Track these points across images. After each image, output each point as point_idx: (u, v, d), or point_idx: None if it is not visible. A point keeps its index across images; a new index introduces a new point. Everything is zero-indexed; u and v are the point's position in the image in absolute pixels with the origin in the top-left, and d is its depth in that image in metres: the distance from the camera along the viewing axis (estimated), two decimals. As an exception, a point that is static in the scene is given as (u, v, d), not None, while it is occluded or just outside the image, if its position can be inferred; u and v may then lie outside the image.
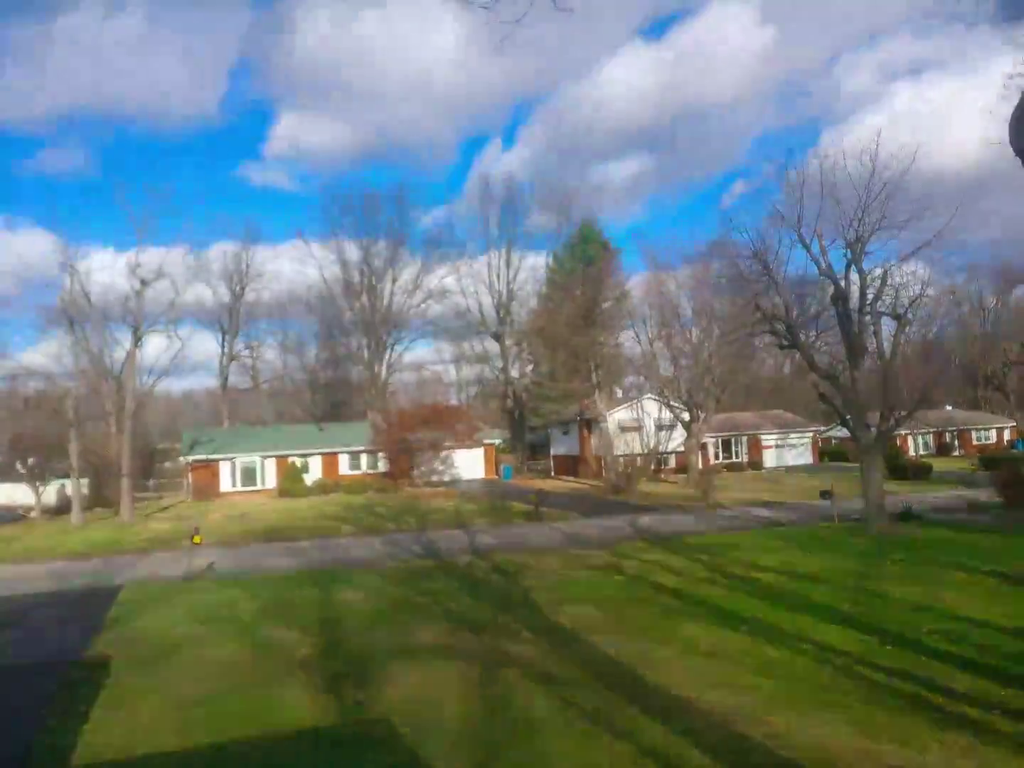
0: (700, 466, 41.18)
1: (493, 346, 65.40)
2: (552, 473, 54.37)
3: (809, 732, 7.13)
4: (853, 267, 22.07)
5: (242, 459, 44.18)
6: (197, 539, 20.51)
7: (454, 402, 66.78)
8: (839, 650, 9.70)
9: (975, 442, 59.08)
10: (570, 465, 51.77)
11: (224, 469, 43.98)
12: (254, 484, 43.82)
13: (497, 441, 52.57)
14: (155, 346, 60.41)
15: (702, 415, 41.69)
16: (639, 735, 7.17)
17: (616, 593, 14.02)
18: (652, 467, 44.42)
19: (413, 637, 11.41)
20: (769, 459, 51.76)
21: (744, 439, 52.17)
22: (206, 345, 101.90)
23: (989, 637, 10.02)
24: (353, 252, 62.79)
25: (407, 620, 12.46)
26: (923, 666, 8.96)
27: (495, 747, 7.17)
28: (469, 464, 46.53)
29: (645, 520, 26.19)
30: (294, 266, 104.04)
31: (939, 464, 44.80)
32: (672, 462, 47.63)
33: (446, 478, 43.83)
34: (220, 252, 76.66)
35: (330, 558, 20.09)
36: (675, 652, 10.00)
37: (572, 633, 11.20)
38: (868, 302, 21.88)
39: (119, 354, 38.47)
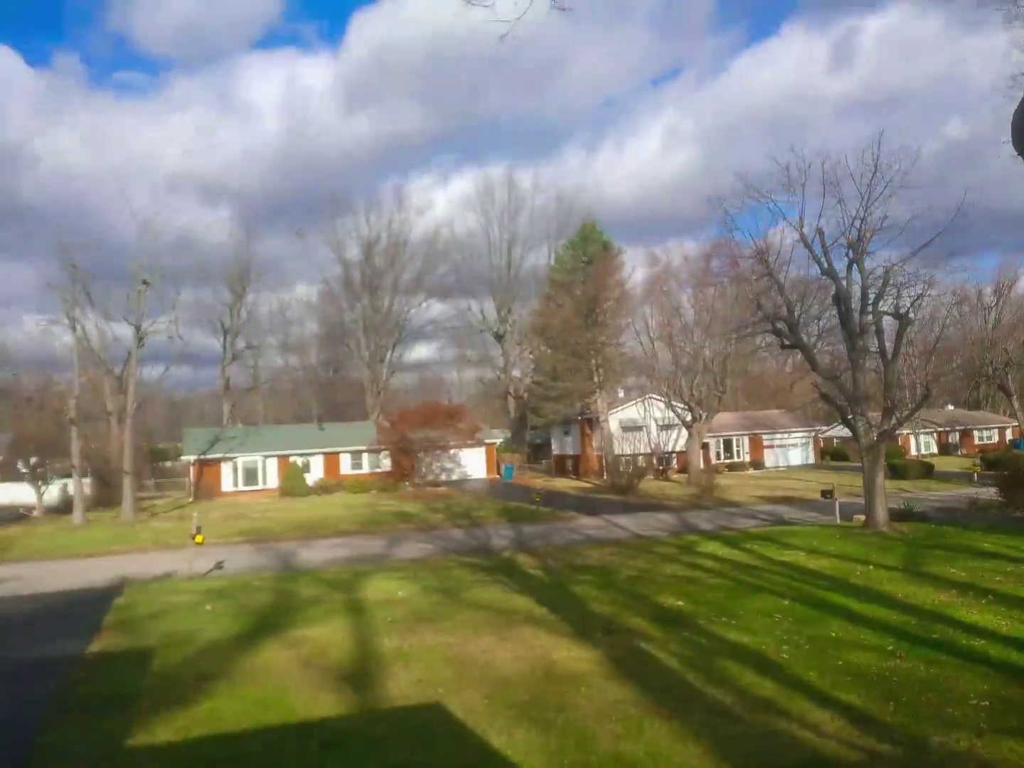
0: (701, 466, 41.18)
1: (494, 346, 65.47)
2: (553, 472, 54.36)
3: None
4: (855, 267, 22.08)
5: (243, 459, 44.17)
6: (199, 539, 20.51)
7: (456, 402, 66.81)
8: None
9: (977, 442, 59.06)
10: (571, 465, 51.79)
11: (226, 469, 43.98)
12: (255, 484, 43.81)
13: (498, 441, 52.57)
14: (156, 345, 60.40)
15: (703, 415, 41.70)
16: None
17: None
18: (654, 467, 44.46)
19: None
20: (770, 459, 51.73)
21: (745, 439, 52.12)
22: (207, 345, 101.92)
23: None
24: (354, 251, 62.95)
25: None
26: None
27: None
28: (471, 463, 46.52)
29: (647, 518, 26.20)
30: (296, 265, 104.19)
31: (941, 463, 44.83)
32: (674, 462, 47.62)
33: (448, 477, 43.85)
34: (221, 252, 76.73)
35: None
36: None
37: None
38: (870, 302, 21.86)
39: (120, 353, 38.47)
